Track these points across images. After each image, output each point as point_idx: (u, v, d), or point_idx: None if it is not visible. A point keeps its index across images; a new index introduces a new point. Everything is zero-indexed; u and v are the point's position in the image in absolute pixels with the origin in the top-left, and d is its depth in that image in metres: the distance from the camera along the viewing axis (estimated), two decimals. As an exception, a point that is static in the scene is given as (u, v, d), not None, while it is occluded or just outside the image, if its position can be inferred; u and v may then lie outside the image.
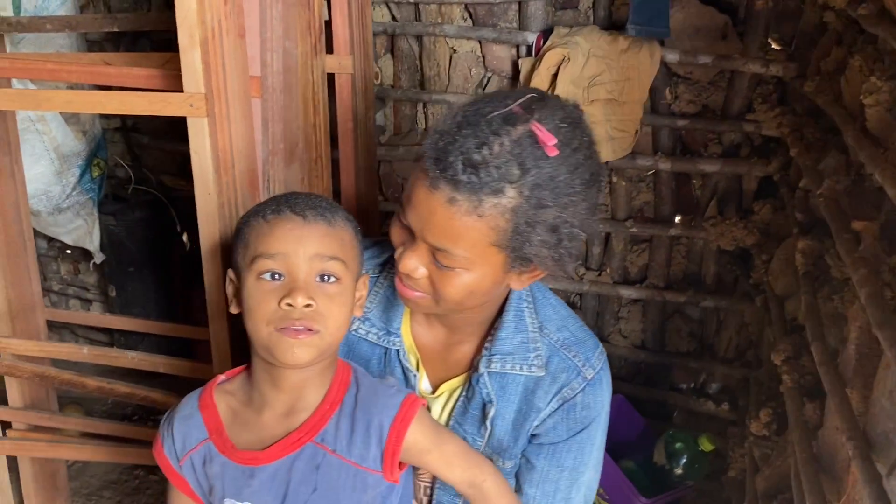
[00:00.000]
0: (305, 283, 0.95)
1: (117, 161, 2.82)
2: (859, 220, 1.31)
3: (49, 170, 2.39)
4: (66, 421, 1.79)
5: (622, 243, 2.45)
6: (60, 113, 2.33)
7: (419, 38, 2.37)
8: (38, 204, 2.43)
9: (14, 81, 1.82)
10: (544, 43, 2.16)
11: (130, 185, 2.78)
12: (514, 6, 2.26)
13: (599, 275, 2.49)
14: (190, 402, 1.05)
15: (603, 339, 2.57)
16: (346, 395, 1.01)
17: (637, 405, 2.43)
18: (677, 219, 2.39)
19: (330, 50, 1.62)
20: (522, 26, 2.25)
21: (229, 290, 1.04)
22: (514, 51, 2.30)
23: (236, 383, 1.06)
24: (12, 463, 1.79)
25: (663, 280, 2.46)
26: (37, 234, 2.51)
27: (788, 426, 1.58)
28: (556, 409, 1.08)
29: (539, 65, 2.11)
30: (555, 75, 2.09)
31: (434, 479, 1.16)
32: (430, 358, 1.15)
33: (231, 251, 1.05)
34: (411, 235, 0.98)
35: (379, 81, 2.46)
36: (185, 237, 2.67)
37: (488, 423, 1.09)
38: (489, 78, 2.38)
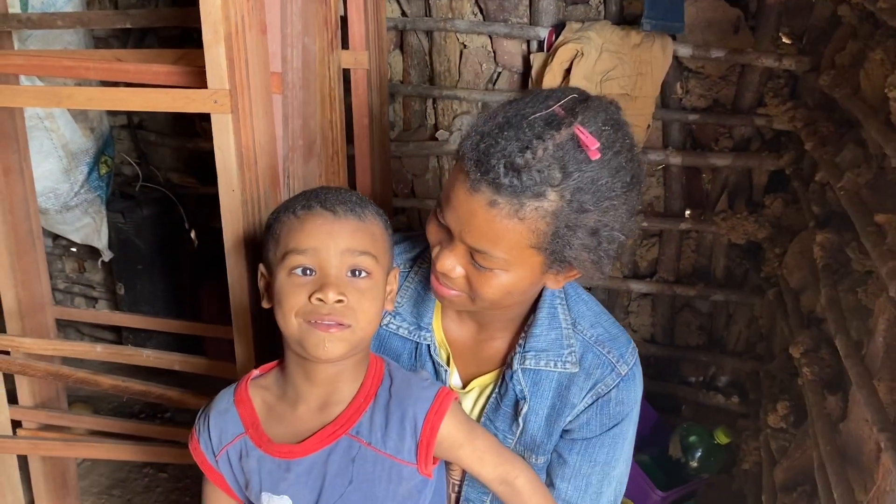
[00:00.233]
0: (336, 279, 0.94)
1: (124, 158, 2.81)
2: (882, 214, 1.31)
3: (57, 167, 2.37)
4: (79, 419, 1.78)
5: (632, 237, 2.45)
6: (69, 110, 2.31)
7: (429, 33, 2.36)
8: (46, 202, 2.41)
9: (21, 78, 1.79)
10: (556, 38, 2.15)
11: (138, 183, 2.77)
12: (525, 1, 2.25)
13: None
14: (225, 397, 1.05)
15: (613, 333, 2.57)
16: (380, 387, 1.01)
17: (647, 398, 2.42)
18: (687, 213, 2.39)
19: (344, 45, 1.61)
20: (533, 21, 2.25)
21: (261, 284, 1.03)
22: (524, 46, 2.29)
23: (270, 378, 1.06)
24: (23, 462, 1.78)
25: (673, 274, 2.47)
26: (43, 232, 2.49)
27: (808, 418, 1.58)
28: (590, 404, 1.08)
29: (552, 60, 2.10)
30: (567, 70, 2.09)
31: (463, 476, 1.16)
32: (460, 353, 1.15)
33: (261, 247, 1.05)
34: (449, 235, 0.97)
35: (388, 77, 2.45)
36: (193, 234, 2.67)
37: (521, 419, 1.09)
38: (499, 73, 2.37)
